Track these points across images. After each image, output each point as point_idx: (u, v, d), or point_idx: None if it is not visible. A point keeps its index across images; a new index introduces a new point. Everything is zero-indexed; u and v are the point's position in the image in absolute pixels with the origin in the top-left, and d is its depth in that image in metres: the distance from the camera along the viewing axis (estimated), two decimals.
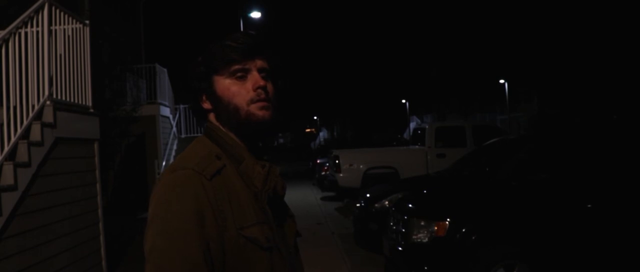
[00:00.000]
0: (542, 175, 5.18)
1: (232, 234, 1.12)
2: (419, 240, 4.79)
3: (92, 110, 5.95)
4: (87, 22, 5.92)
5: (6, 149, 4.33)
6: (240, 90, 1.22)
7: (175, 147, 14.42)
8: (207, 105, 1.25)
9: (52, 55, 5.09)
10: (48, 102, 4.97)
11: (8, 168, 4.28)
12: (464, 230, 4.65)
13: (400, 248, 5.03)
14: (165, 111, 13.86)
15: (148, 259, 1.09)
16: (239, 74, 1.22)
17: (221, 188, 1.14)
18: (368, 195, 7.59)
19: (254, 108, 1.21)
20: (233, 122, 1.22)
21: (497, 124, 26.68)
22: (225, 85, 1.22)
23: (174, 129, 14.77)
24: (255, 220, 1.15)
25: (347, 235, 8.42)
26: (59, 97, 5.22)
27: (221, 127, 1.24)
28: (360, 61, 40.65)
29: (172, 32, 19.20)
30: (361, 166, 11.61)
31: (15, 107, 4.60)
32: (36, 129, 4.75)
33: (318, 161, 16.04)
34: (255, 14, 19.16)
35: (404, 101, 46.09)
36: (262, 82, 1.22)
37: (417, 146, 12.42)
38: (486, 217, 4.83)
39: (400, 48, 38.38)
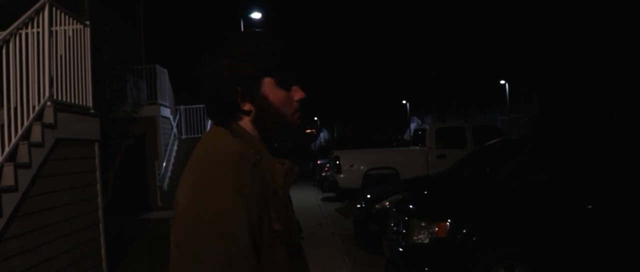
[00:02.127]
0: (543, 175, 5.18)
1: (266, 224, 1.08)
2: (419, 241, 4.78)
3: (92, 111, 5.95)
4: (88, 22, 5.93)
5: (7, 149, 4.33)
6: (288, 99, 1.20)
7: (175, 148, 14.42)
8: (248, 107, 1.18)
9: (53, 56, 5.09)
10: (48, 103, 4.97)
11: (8, 169, 4.28)
12: (464, 231, 4.64)
13: (400, 249, 5.02)
14: (166, 112, 13.87)
15: (179, 246, 1.02)
16: (283, 81, 1.19)
17: (261, 176, 1.10)
18: (368, 196, 7.59)
19: (296, 118, 1.21)
20: (277, 128, 1.20)
21: (498, 124, 26.67)
22: (276, 91, 1.18)
23: (175, 129, 14.78)
24: (278, 217, 1.12)
25: (347, 236, 8.41)
26: (60, 98, 5.22)
27: (245, 128, 1.19)
28: (361, 61, 40.67)
29: (173, 32, 19.17)
30: (362, 167, 11.60)
31: (15, 108, 4.60)
32: (37, 129, 4.75)
33: (318, 162, 16.04)
34: (256, 15, 19.16)
35: (404, 102, 46.11)
36: (304, 96, 1.21)
37: (417, 147, 12.41)
38: (487, 218, 4.82)
39: (400, 48, 38.40)
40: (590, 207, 4.76)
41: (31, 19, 4.87)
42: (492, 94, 34.74)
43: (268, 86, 1.17)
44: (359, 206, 7.76)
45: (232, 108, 1.18)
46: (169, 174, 13.52)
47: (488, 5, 29.65)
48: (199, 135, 15.08)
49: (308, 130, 70.84)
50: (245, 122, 1.19)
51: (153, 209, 12.14)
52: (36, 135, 4.74)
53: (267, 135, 1.21)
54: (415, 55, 37.52)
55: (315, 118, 60.98)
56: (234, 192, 1.03)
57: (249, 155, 1.11)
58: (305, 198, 13.94)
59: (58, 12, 5.24)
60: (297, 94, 1.21)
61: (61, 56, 5.31)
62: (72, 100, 5.53)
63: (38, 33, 4.97)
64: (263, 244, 1.06)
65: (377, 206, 7.15)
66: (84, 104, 5.80)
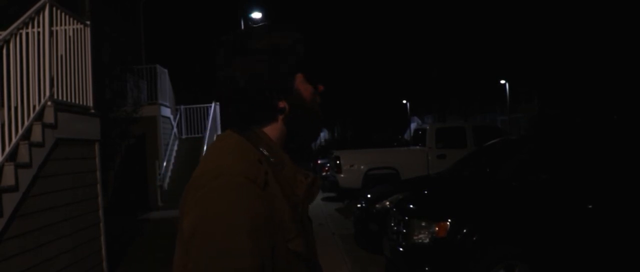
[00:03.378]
0: (543, 175, 5.18)
1: (281, 248, 1.02)
2: (419, 241, 4.78)
3: (92, 111, 5.95)
4: (88, 22, 5.93)
5: (7, 149, 4.33)
6: (314, 93, 1.17)
7: (175, 147, 14.42)
8: (283, 104, 1.12)
9: (53, 55, 5.09)
10: (49, 103, 4.97)
11: (9, 169, 4.28)
12: (464, 231, 4.64)
13: (401, 249, 5.03)
14: (166, 112, 13.87)
15: None
16: (311, 76, 1.17)
17: (270, 199, 1.02)
18: (369, 195, 7.59)
19: (321, 112, 1.18)
20: (309, 125, 1.17)
21: (498, 124, 26.69)
22: (306, 86, 1.15)
23: (175, 129, 14.78)
24: (296, 232, 1.06)
25: (347, 236, 8.41)
26: (60, 97, 5.22)
27: (267, 133, 1.12)
28: (361, 61, 40.68)
29: (173, 32, 19.18)
30: (362, 167, 11.60)
31: (16, 108, 4.61)
32: (37, 129, 4.75)
33: (319, 162, 16.03)
34: (256, 14, 19.16)
35: (404, 102, 46.13)
36: (323, 88, 1.19)
37: (417, 147, 12.42)
38: (487, 217, 4.83)
39: (400, 48, 38.41)
40: (590, 207, 4.77)
41: (31, 18, 4.87)
42: (492, 94, 34.77)
43: (299, 82, 1.14)
44: (359, 205, 7.76)
45: (269, 107, 1.11)
46: (169, 173, 13.53)
47: (488, 5, 29.65)
48: (200, 135, 15.08)
49: None
50: (271, 125, 1.13)
51: (153, 209, 12.14)
52: (36, 135, 4.74)
53: (297, 134, 1.16)
54: (415, 55, 37.54)
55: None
56: (243, 226, 0.95)
57: (259, 176, 1.02)
58: None
59: (58, 12, 5.25)
60: (318, 87, 1.18)
61: (61, 56, 5.31)
62: (73, 100, 5.53)
63: (38, 33, 4.97)
64: (276, 268, 1.01)
65: (377, 205, 7.15)
66: (85, 104, 5.81)
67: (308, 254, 1.10)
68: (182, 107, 15.69)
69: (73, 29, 5.60)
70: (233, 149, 1.08)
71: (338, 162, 11.66)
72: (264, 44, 1.11)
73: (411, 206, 5.36)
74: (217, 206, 0.97)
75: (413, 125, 34.55)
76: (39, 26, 4.97)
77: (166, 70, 13.94)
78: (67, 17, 5.43)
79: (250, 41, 1.12)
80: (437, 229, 4.68)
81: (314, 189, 1.14)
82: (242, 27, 18.32)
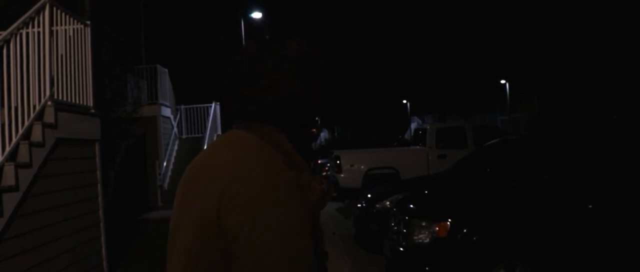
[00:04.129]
0: (543, 175, 5.18)
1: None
2: (420, 241, 4.78)
3: (92, 110, 5.95)
4: (88, 22, 5.93)
5: (7, 149, 4.33)
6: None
7: (175, 147, 14.43)
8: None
9: (53, 55, 5.09)
10: (49, 103, 4.97)
11: (9, 169, 4.28)
12: (465, 230, 4.64)
13: (401, 249, 5.02)
14: (166, 112, 13.87)
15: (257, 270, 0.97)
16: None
17: (304, 202, 1.06)
18: (369, 195, 7.59)
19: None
20: (311, 136, 1.25)
21: (498, 124, 26.68)
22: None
23: (175, 129, 14.78)
24: (319, 240, 1.10)
25: (347, 236, 8.41)
26: (60, 97, 5.22)
27: (284, 137, 1.14)
28: (361, 61, 40.67)
29: (173, 32, 19.17)
30: (362, 167, 11.61)
31: (16, 108, 4.61)
32: (37, 129, 4.75)
33: (319, 161, 16.04)
34: (256, 14, 19.17)
35: (404, 102, 46.15)
36: None
37: (418, 147, 12.42)
38: (487, 217, 4.83)
39: (400, 48, 38.42)
40: (590, 207, 4.77)
41: (32, 18, 4.87)
42: (492, 94, 34.77)
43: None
44: (359, 205, 7.76)
45: (307, 119, 1.18)
46: (169, 173, 13.53)
47: (488, 5, 29.66)
48: (200, 135, 15.07)
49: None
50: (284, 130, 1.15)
51: (153, 209, 12.14)
52: (37, 135, 4.74)
53: (303, 142, 1.20)
54: (415, 55, 37.56)
55: (316, 118, 60.85)
56: (302, 219, 0.99)
57: (295, 179, 1.04)
58: None
59: (58, 11, 5.24)
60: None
61: (62, 56, 5.31)
62: (73, 100, 5.53)
63: (38, 33, 4.97)
64: None
65: (377, 205, 7.15)
66: (85, 103, 5.81)
67: (322, 258, 1.14)
68: (182, 107, 15.71)
69: (73, 29, 5.60)
70: (262, 153, 1.07)
71: (338, 162, 11.67)
72: (302, 52, 1.16)
73: (411, 206, 5.36)
74: (278, 198, 0.99)
75: (413, 125, 34.59)
76: (39, 26, 4.97)
77: (166, 70, 13.95)
78: (67, 17, 5.43)
79: (295, 48, 1.15)
80: (437, 229, 4.68)
81: (327, 196, 1.15)
82: (242, 27, 18.31)
